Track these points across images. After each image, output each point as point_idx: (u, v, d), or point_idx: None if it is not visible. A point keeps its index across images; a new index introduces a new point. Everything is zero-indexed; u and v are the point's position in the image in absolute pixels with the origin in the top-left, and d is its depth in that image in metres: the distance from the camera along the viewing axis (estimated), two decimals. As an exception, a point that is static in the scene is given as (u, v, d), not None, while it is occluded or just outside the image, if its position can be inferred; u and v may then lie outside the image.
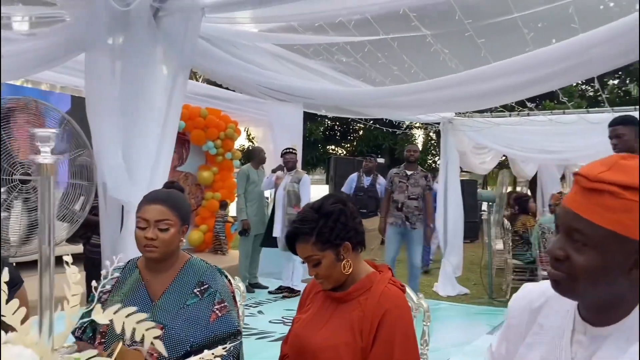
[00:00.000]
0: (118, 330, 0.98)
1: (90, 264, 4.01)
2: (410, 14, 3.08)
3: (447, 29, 3.21)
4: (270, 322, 5.33)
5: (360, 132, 15.01)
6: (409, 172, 6.09)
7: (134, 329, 0.98)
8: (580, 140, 7.05)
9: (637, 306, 0.99)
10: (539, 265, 6.44)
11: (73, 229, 3.21)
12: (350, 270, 1.79)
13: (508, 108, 6.44)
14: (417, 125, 13.58)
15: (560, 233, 1.02)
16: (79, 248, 4.34)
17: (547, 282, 1.19)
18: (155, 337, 1.00)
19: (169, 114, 2.84)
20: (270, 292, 6.58)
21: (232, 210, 10.25)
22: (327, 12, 3.31)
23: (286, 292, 6.50)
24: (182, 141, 8.24)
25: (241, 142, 14.54)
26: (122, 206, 2.99)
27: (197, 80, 8.92)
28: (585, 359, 1.03)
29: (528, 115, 6.82)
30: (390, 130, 9.38)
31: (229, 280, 2.04)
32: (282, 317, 5.48)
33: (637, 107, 6.78)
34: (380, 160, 13.35)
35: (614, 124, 3.65)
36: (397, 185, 6.06)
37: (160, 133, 2.81)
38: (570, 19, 2.81)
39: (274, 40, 3.86)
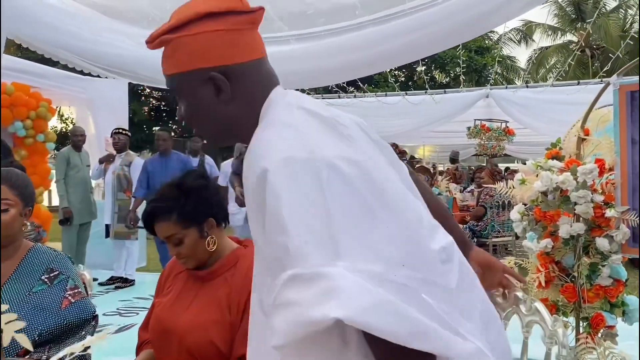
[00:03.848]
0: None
1: None
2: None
3: (289, 7, 3.26)
4: (105, 314, 4.94)
5: (189, 113, 14.55)
6: None
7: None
8: (399, 120, 7.73)
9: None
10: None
11: None
12: (215, 247, 1.74)
13: (341, 88, 6.77)
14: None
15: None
16: None
17: None
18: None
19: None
20: (100, 284, 6.10)
21: (51, 198, 9.22)
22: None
23: (119, 282, 6.09)
24: (-17, 121, 7.13)
25: (53, 123, 13.13)
26: None
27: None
28: None
29: (355, 96, 7.26)
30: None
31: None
32: (118, 309, 5.15)
33: (445, 90, 7.67)
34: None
35: None
36: None
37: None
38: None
39: (99, 8, 3.54)
